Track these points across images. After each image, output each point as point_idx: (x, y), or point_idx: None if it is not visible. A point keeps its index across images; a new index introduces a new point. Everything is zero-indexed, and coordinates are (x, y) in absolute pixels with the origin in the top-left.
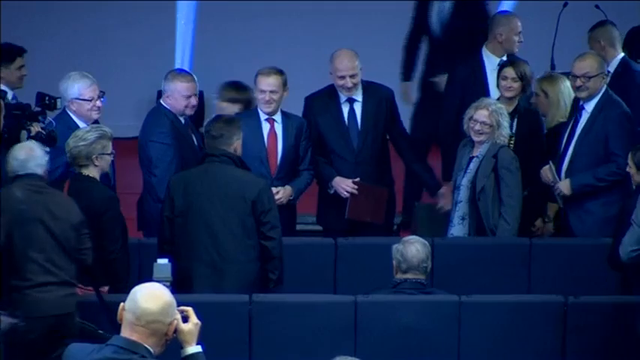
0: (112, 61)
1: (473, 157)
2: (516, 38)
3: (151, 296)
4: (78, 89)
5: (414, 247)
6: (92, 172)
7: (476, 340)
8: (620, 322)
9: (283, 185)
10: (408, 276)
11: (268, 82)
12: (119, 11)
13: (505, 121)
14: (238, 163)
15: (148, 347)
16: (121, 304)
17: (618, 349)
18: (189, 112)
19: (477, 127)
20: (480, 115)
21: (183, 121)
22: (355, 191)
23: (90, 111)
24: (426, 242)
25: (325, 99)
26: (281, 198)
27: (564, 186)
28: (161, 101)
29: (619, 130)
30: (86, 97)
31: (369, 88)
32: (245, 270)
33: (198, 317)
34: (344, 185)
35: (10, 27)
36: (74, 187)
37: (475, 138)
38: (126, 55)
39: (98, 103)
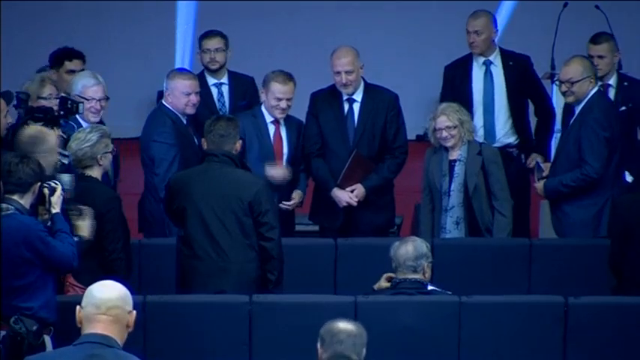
0: (113, 62)
1: (454, 160)
2: (468, 37)
3: (105, 286)
4: (81, 87)
5: (404, 247)
6: (95, 172)
7: (476, 340)
8: (620, 322)
9: (287, 187)
10: (408, 275)
11: (285, 90)
12: (119, 11)
13: (466, 116)
14: (238, 163)
15: (115, 338)
16: (77, 307)
17: (618, 349)
18: (190, 110)
19: (444, 134)
20: (440, 122)
21: (184, 122)
22: (354, 203)
23: (87, 111)
24: (424, 244)
25: (328, 96)
26: (297, 202)
27: (539, 188)
28: (162, 101)
29: (589, 136)
30: (86, 97)
31: (371, 90)
32: (244, 270)
33: (198, 317)
34: (343, 200)
35: (11, 27)
36: (76, 187)
37: (446, 144)
38: (126, 55)
39: (96, 105)
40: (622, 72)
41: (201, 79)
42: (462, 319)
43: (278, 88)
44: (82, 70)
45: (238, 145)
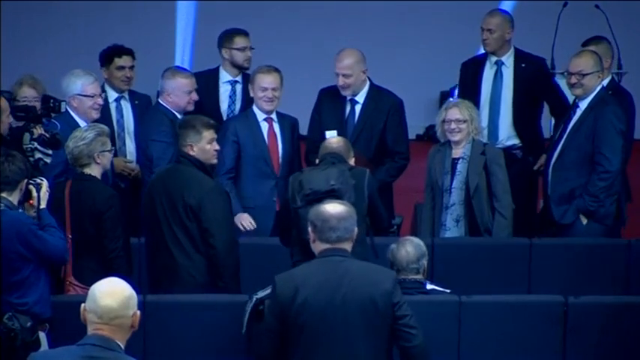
0: None
1: (457, 158)
2: (482, 35)
3: (109, 293)
4: (81, 85)
5: (404, 249)
6: (94, 170)
7: (476, 340)
8: (620, 322)
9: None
10: (409, 276)
11: (270, 80)
12: (119, 11)
13: (476, 114)
14: (197, 165)
15: (118, 342)
16: (82, 305)
17: (618, 349)
18: (190, 107)
19: (452, 125)
20: (451, 114)
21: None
22: None
23: (90, 108)
24: (421, 243)
25: (333, 95)
26: None
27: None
28: (159, 100)
29: (607, 128)
30: (88, 94)
31: (375, 92)
32: (190, 274)
33: (198, 317)
34: None
35: (11, 27)
36: (76, 186)
37: (453, 138)
38: None
39: (99, 100)
40: (617, 78)
41: (215, 75)
42: (462, 319)
43: (262, 78)
44: (132, 66)
45: (193, 147)
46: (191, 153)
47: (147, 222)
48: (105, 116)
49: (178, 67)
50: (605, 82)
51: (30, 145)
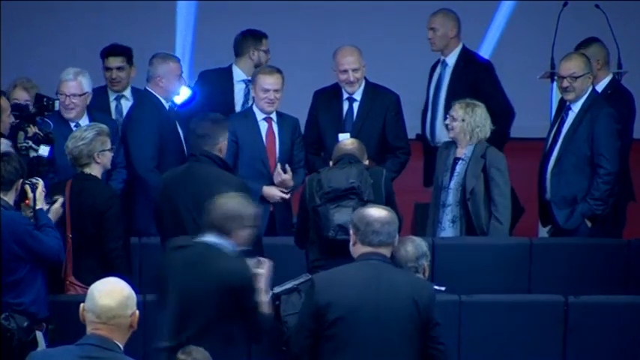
0: None
1: (458, 158)
2: (428, 35)
3: (108, 292)
4: (60, 80)
5: (403, 248)
6: (94, 170)
7: (476, 340)
8: (620, 322)
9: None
10: None
11: (272, 81)
12: (119, 11)
13: (480, 117)
14: (220, 164)
15: (117, 342)
16: (81, 304)
17: (618, 349)
18: (177, 93)
19: (448, 121)
20: (452, 110)
21: (167, 107)
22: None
23: (61, 106)
24: (422, 243)
25: (330, 95)
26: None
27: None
28: (146, 87)
29: (605, 130)
30: (59, 90)
31: (372, 89)
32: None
33: None
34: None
35: (11, 27)
36: (76, 186)
37: (450, 135)
38: None
39: (66, 101)
40: (618, 77)
41: (228, 73)
42: (462, 319)
43: (264, 79)
44: (120, 67)
45: (222, 145)
46: (223, 150)
47: (166, 223)
48: (105, 115)
49: (165, 53)
50: (605, 82)
51: (25, 144)
